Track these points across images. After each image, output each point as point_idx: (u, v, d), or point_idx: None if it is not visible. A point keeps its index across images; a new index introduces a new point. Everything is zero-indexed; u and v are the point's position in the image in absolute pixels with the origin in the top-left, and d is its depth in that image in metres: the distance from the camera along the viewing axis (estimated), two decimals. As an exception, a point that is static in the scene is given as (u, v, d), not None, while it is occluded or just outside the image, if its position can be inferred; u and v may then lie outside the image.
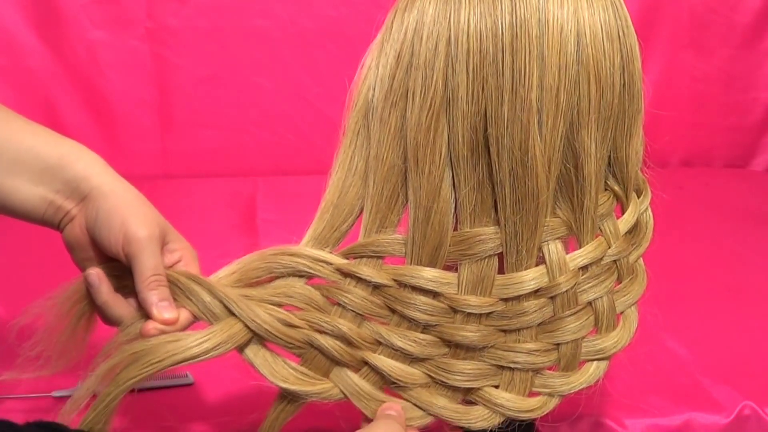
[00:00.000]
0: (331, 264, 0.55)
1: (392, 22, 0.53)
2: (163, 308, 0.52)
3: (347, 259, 0.55)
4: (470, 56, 0.50)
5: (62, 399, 0.68)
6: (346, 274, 0.55)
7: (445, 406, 0.56)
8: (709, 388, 0.75)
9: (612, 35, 0.52)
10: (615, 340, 0.58)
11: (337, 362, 0.55)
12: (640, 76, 0.54)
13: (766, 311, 0.91)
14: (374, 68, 0.54)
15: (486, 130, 0.51)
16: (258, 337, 0.53)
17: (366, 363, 0.55)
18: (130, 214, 0.53)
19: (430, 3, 0.51)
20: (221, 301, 0.53)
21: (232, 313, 0.53)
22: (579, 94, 0.52)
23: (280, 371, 0.54)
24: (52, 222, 0.55)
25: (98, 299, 0.54)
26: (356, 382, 0.55)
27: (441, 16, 0.50)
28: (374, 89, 0.54)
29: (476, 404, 0.58)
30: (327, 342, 0.54)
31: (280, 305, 0.55)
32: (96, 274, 0.54)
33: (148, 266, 0.52)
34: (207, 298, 0.53)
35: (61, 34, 1.24)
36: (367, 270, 0.54)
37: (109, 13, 1.24)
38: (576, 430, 0.69)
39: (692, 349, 0.81)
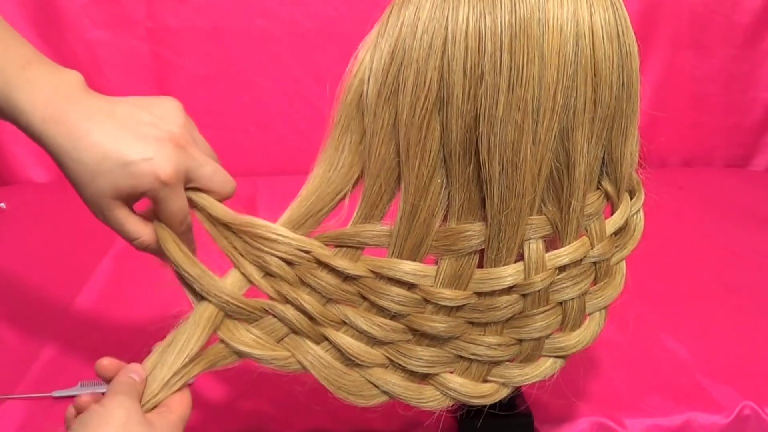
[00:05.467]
0: (309, 252, 0.54)
1: (388, 17, 0.53)
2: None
3: (327, 245, 0.55)
4: (468, 55, 0.50)
5: (62, 399, 0.69)
6: (320, 263, 0.55)
7: (398, 383, 0.57)
8: (709, 388, 0.75)
9: (611, 35, 0.52)
10: (577, 339, 0.59)
11: (295, 332, 0.55)
12: (637, 77, 0.54)
13: (766, 311, 0.91)
14: (368, 62, 0.54)
15: (478, 128, 0.51)
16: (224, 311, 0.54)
17: (326, 339, 0.55)
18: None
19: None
20: (189, 276, 0.53)
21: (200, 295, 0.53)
22: (576, 94, 0.51)
23: (240, 336, 0.53)
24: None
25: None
26: (316, 352, 0.55)
27: (438, 14, 0.50)
28: (368, 84, 0.53)
29: (429, 385, 0.58)
30: (288, 312, 0.54)
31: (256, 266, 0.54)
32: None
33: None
34: (181, 270, 0.53)
35: (61, 34, 1.24)
36: (342, 262, 0.54)
37: (109, 13, 1.24)
38: (576, 430, 0.69)
39: (692, 349, 0.81)
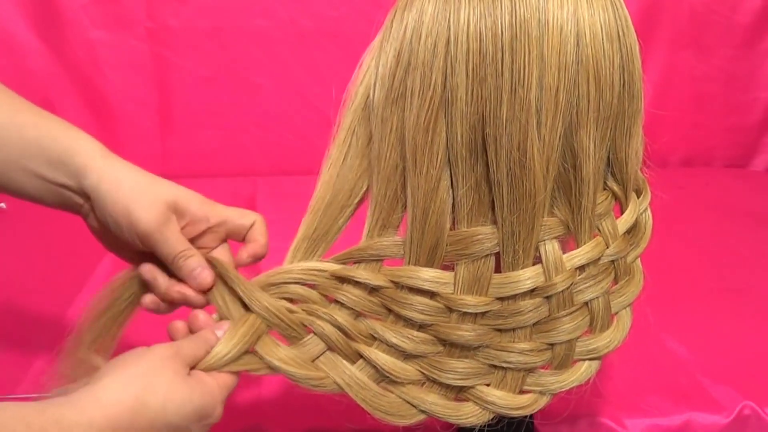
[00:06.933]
0: (325, 271, 0.55)
1: (392, 21, 0.53)
2: (196, 277, 0.54)
3: (345, 264, 0.56)
4: (470, 56, 0.50)
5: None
6: (342, 279, 0.55)
7: (436, 402, 0.57)
8: (709, 388, 0.75)
9: (612, 35, 0.52)
10: (608, 340, 0.58)
11: (332, 349, 0.55)
12: (639, 76, 0.54)
13: (766, 311, 0.91)
14: (374, 67, 0.54)
15: (484, 130, 0.51)
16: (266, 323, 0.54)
17: (361, 356, 0.55)
18: (133, 208, 0.53)
19: (429, 2, 0.51)
20: (235, 289, 0.54)
21: (244, 304, 0.54)
22: (578, 94, 0.51)
23: (277, 353, 0.54)
24: (71, 210, 0.57)
25: (159, 291, 0.55)
26: (352, 372, 0.55)
27: (440, 16, 0.50)
28: (374, 88, 0.54)
29: (467, 401, 0.58)
30: (325, 328, 0.54)
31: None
32: (149, 270, 0.55)
33: (168, 252, 0.54)
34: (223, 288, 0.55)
35: (61, 34, 1.24)
36: (364, 273, 0.55)
37: (109, 13, 1.24)
38: (576, 430, 0.69)
39: (692, 349, 0.81)
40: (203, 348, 0.51)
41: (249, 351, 0.53)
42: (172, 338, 0.53)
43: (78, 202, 0.55)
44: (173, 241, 0.54)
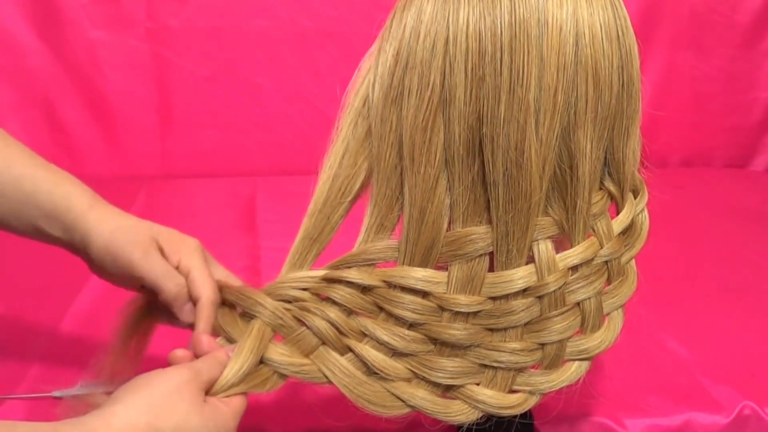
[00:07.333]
0: (316, 277, 0.55)
1: (392, 21, 0.53)
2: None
3: (338, 269, 0.56)
4: (469, 56, 0.50)
5: (62, 399, 0.68)
6: (334, 281, 0.55)
7: (425, 398, 0.57)
8: (709, 388, 0.75)
9: (611, 35, 0.52)
10: (599, 340, 0.58)
11: (323, 342, 0.55)
12: (638, 77, 0.54)
13: (766, 311, 0.91)
14: (373, 67, 0.54)
15: (482, 129, 0.51)
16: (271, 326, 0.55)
17: (351, 350, 0.55)
18: (116, 246, 0.55)
19: (428, 2, 0.51)
20: (239, 294, 0.56)
21: (245, 315, 0.55)
22: (576, 94, 0.51)
23: (270, 349, 0.54)
24: (76, 254, 0.59)
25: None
26: (338, 361, 0.55)
27: (440, 16, 0.50)
28: (373, 88, 0.54)
29: (456, 399, 0.58)
30: (317, 321, 0.54)
31: None
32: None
33: (155, 278, 0.55)
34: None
35: (61, 34, 1.24)
36: (356, 274, 0.55)
37: (109, 13, 1.24)
38: (576, 430, 0.69)
39: (692, 349, 0.81)
40: (219, 369, 0.51)
41: (258, 364, 0.54)
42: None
43: (73, 251, 0.58)
44: (158, 267, 0.55)
